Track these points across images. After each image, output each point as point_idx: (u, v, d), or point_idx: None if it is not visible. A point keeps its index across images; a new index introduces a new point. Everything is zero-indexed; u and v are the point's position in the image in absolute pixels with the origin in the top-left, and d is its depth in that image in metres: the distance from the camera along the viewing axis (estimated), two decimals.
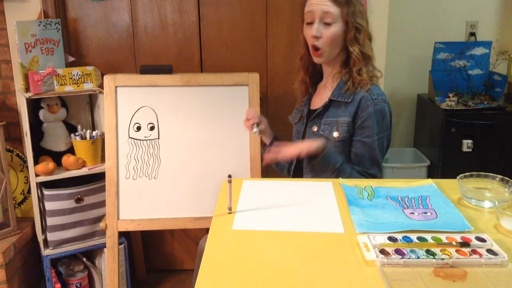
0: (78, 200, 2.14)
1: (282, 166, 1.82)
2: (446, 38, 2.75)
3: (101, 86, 2.10)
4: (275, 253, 1.00)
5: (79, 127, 2.22)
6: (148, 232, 2.45)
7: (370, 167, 1.57)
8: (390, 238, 1.03)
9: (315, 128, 1.66)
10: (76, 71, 2.13)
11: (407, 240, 1.02)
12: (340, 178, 1.41)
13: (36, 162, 2.11)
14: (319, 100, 1.70)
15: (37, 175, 2.08)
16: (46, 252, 2.15)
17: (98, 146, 2.19)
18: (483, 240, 1.02)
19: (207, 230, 1.94)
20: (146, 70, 2.07)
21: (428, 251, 0.97)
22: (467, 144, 2.50)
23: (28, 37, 2.08)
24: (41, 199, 2.15)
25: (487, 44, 2.68)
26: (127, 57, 2.35)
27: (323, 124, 1.63)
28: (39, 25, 2.11)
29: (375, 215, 1.16)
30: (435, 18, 2.86)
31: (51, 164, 2.09)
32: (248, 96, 2.05)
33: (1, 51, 2.24)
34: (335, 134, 1.59)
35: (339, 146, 1.60)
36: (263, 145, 1.85)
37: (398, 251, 0.98)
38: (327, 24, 1.54)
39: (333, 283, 0.89)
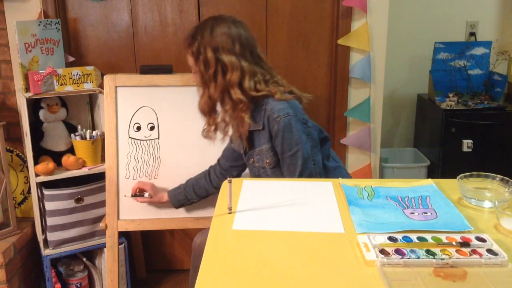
0: (78, 200, 2.14)
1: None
2: (446, 38, 2.74)
3: (101, 86, 2.10)
4: (275, 253, 1.00)
5: (79, 127, 2.22)
6: (148, 232, 2.45)
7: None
8: (390, 238, 1.03)
9: (251, 161, 1.70)
10: (76, 71, 2.12)
11: (407, 240, 1.02)
12: (340, 178, 1.40)
13: (36, 162, 2.11)
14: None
15: (37, 175, 2.08)
16: (46, 252, 2.15)
17: (98, 146, 2.19)
18: (483, 240, 1.02)
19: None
20: (146, 70, 2.07)
21: (428, 251, 0.97)
22: (467, 144, 2.49)
23: (28, 37, 2.08)
24: (41, 199, 2.14)
25: (487, 44, 2.68)
26: (127, 57, 2.35)
27: (255, 155, 1.66)
28: (39, 25, 2.11)
29: (375, 215, 1.15)
30: (435, 18, 2.87)
31: (51, 164, 2.09)
32: None
33: (1, 51, 2.24)
34: (267, 161, 1.63)
35: (276, 172, 1.62)
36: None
37: (398, 251, 0.98)
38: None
39: (333, 283, 0.89)
